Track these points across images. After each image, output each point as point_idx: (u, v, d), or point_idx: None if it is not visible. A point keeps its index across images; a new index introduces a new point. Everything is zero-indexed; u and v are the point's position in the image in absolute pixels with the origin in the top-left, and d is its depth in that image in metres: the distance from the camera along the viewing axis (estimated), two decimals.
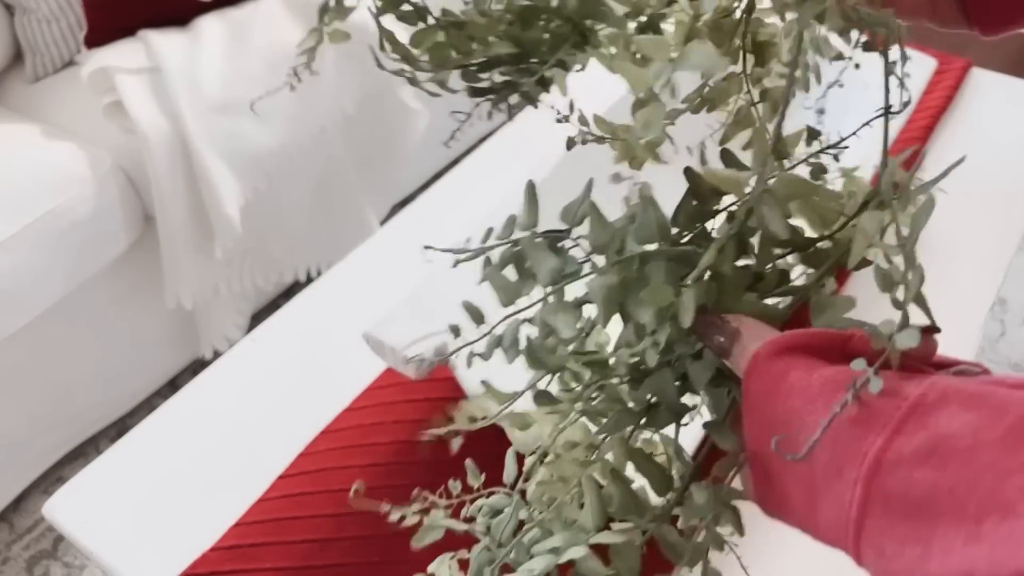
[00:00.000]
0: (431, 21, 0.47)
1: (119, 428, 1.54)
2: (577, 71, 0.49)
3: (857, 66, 0.53)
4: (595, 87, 0.72)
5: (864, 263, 0.41)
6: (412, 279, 0.98)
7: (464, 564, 0.53)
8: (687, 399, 0.46)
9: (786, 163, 0.45)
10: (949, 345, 0.94)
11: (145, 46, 1.41)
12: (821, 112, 0.82)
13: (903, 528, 0.31)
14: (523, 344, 0.49)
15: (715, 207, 0.47)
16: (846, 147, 0.50)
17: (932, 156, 1.06)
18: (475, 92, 0.49)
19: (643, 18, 0.47)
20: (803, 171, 0.47)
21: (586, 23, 0.48)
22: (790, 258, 0.47)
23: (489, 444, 0.81)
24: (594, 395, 0.48)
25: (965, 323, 0.89)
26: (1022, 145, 0.86)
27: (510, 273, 0.49)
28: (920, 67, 1.02)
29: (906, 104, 0.44)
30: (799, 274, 0.46)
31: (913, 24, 0.57)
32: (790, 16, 0.44)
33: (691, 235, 0.46)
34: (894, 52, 0.43)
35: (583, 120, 0.51)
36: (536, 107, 0.50)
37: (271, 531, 0.75)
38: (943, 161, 1.05)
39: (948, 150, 1.09)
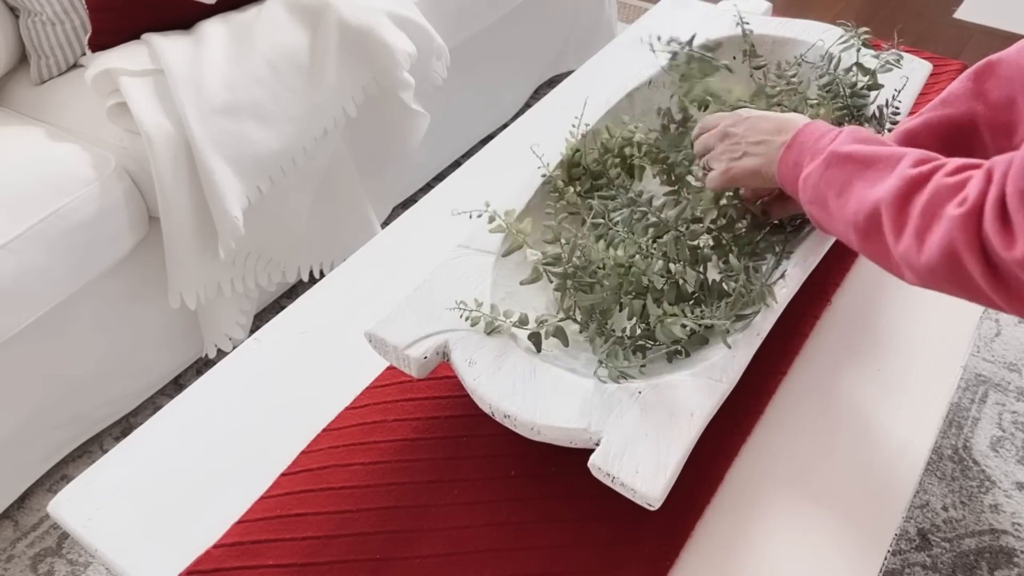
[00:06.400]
0: None
1: (123, 427, 1.55)
2: None
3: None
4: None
5: None
6: (413, 279, 0.99)
7: None
8: None
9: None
10: (944, 345, 0.95)
11: (149, 49, 1.42)
12: None
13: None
14: None
15: None
16: None
17: None
18: None
19: None
20: None
21: None
22: None
23: (496, 438, 0.82)
24: None
25: (960, 323, 0.90)
26: None
27: None
28: (916, 70, 1.03)
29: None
30: None
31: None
32: None
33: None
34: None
35: None
36: None
37: (274, 528, 0.76)
38: None
39: None
